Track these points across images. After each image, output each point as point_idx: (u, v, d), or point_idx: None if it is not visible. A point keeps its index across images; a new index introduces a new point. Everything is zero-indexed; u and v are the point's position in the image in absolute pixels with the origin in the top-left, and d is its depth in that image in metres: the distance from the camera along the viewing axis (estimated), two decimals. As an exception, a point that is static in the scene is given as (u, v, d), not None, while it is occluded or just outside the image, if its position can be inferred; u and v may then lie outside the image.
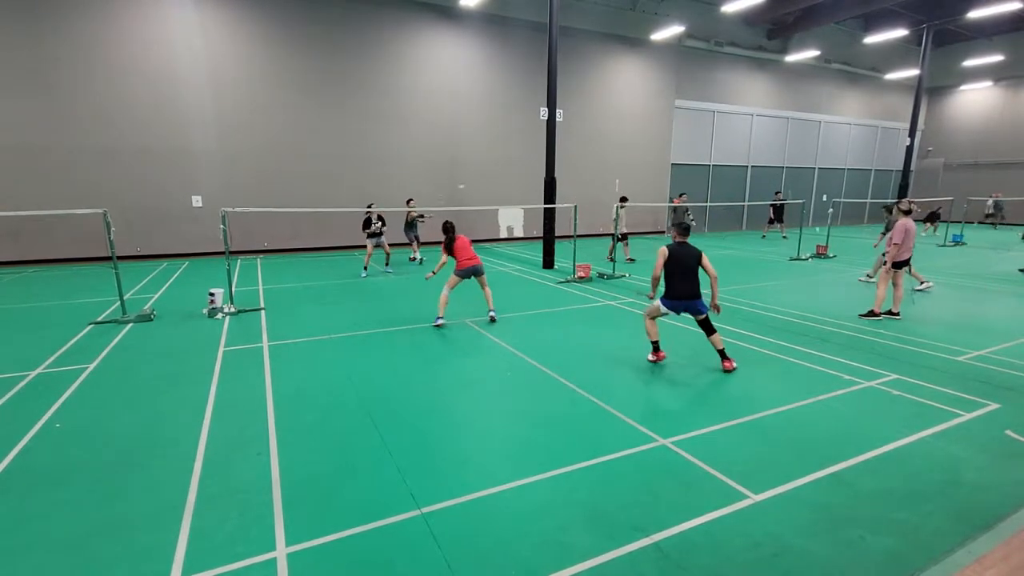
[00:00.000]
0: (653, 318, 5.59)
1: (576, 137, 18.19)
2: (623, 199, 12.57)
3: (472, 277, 7.35)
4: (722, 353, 5.48)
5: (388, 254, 11.97)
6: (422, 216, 13.03)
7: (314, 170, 14.83)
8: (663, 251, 5.39)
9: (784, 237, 19.29)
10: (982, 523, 3.04)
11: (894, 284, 7.69)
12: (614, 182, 19.64)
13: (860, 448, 3.86)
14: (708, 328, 5.46)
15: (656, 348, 5.67)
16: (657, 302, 5.55)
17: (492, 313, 7.47)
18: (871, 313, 7.64)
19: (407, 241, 13.36)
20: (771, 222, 19.58)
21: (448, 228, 7.35)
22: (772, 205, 19.31)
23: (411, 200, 13.08)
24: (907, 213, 7.44)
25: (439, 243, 7.65)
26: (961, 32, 23.52)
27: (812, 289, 9.98)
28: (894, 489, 3.37)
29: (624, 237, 13.03)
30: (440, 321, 7.18)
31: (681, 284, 5.30)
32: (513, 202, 17.33)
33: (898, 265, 7.53)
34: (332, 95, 14.73)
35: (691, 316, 5.46)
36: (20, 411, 4.55)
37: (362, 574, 2.66)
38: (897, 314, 7.58)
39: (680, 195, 17.53)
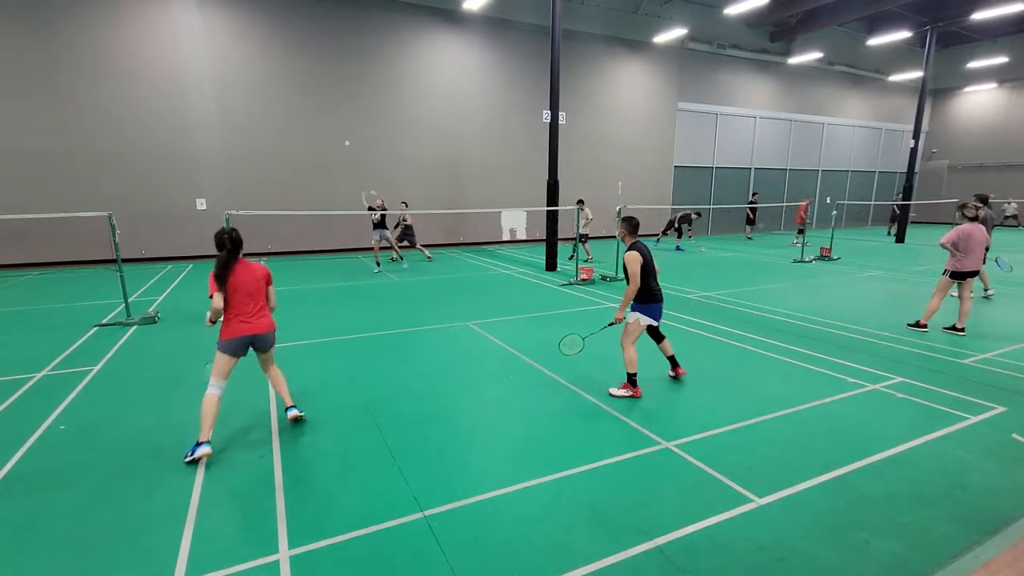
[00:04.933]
0: None
1: (579, 139, 18.21)
2: (580, 201, 12.68)
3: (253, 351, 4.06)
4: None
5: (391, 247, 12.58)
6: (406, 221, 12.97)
7: (318, 172, 14.89)
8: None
9: (749, 238, 19.86)
10: (989, 527, 3.02)
11: (960, 297, 6.97)
12: (617, 184, 19.64)
13: (865, 451, 3.84)
14: None
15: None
16: None
17: (292, 411, 4.22)
18: (918, 324, 7.07)
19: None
20: (751, 223, 20.27)
21: (221, 242, 3.78)
22: (752, 207, 20.14)
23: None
24: (972, 219, 6.69)
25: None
26: (965, 34, 23.47)
27: (815, 292, 9.94)
28: (899, 493, 3.35)
29: (584, 239, 13.42)
30: (200, 451, 3.63)
31: None
32: (516, 204, 17.34)
33: (960, 276, 6.83)
34: (335, 98, 14.80)
35: None
36: (25, 413, 4.57)
37: (365, 577, 2.66)
38: (962, 330, 6.85)
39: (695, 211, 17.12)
